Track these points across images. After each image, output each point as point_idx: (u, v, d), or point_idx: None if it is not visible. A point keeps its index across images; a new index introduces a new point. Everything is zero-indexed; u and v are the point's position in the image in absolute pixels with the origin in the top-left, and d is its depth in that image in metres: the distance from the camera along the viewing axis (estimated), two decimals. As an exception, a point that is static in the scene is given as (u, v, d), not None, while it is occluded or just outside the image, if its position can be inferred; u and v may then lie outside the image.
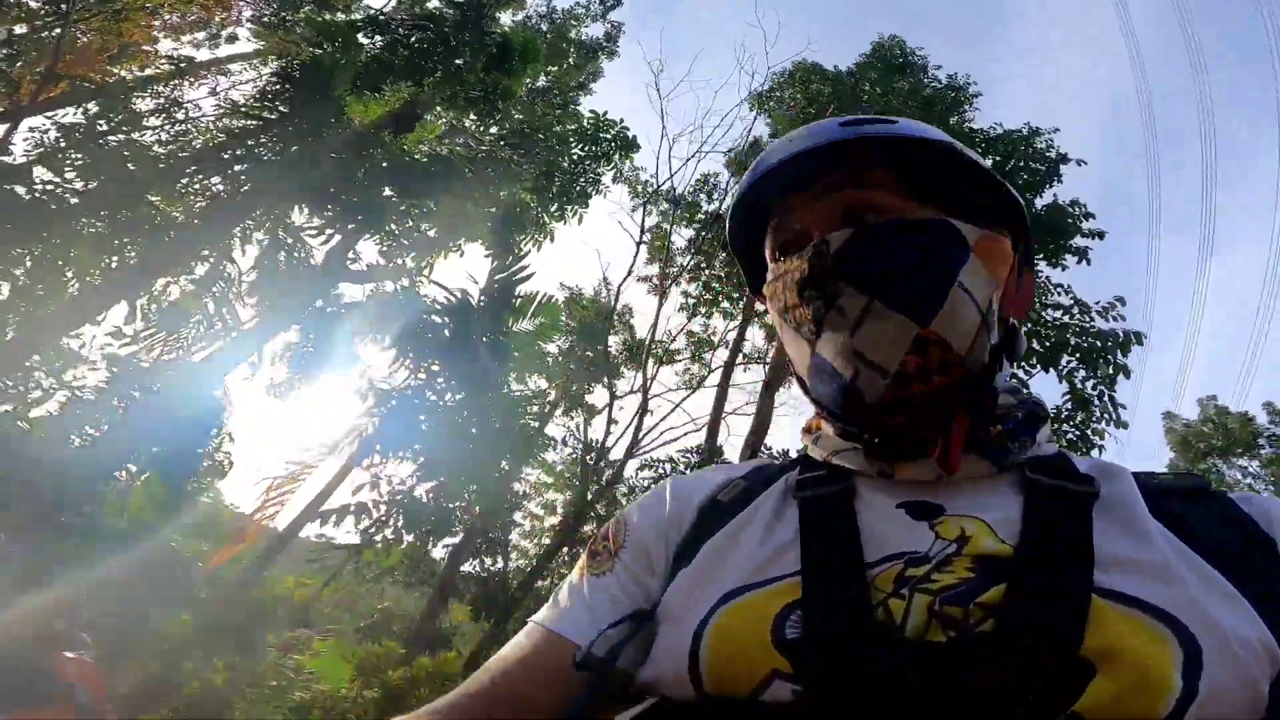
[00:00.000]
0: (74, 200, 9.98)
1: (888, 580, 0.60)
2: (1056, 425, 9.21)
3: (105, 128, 10.74)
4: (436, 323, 11.05)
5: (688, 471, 12.49)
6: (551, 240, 13.95)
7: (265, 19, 12.63)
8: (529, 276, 11.63)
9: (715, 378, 14.65)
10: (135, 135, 11.00)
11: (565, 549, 12.98)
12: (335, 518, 10.13)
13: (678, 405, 14.33)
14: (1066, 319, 9.87)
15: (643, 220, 15.00)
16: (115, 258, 10.68)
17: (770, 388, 12.35)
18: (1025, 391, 0.79)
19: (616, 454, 14.01)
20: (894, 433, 0.71)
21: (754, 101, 14.89)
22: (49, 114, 10.64)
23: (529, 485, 15.72)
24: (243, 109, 11.40)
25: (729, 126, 46.73)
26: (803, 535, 0.67)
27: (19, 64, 11.35)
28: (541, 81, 16.26)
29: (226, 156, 11.18)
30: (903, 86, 13.56)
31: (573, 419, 16.32)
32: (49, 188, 9.81)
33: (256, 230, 11.67)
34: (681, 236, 16.02)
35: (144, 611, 8.37)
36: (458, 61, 12.50)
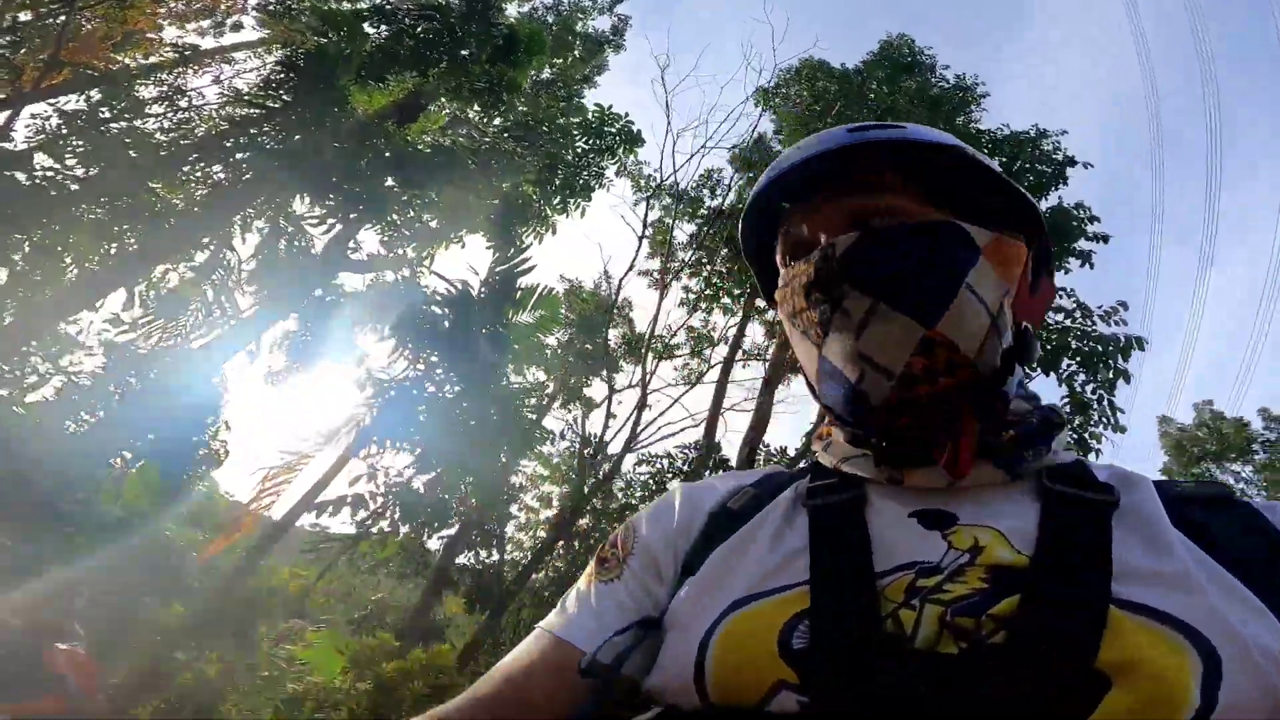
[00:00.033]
0: (74, 187, 9.97)
1: (898, 590, 0.59)
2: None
3: (108, 115, 10.71)
4: (436, 313, 11.05)
5: (685, 467, 12.57)
6: (553, 233, 13.99)
7: (271, 7, 12.57)
8: (530, 269, 11.66)
9: (714, 374, 14.65)
10: (138, 123, 10.98)
11: (560, 543, 12.98)
12: (332, 509, 10.13)
13: (676, 400, 14.38)
14: (1068, 323, 9.86)
15: (645, 214, 14.96)
16: (115, 244, 10.68)
17: (770, 385, 12.33)
18: (1040, 399, 0.78)
19: (614, 448, 14.02)
20: (901, 434, 0.70)
21: (759, 98, 14.84)
22: (51, 101, 10.60)
23: (525, 477, 15.70)
24: (246, 97, 11.39)
25: (734, 122, 46.80)
26: (812, 544, 0.66)
27: (22, 51, 11.30)
28: (546, 74, 16.26)
29: (229, 145, 11.19)
30: (910, 86, 13.50)
31: (570, 412, 16.31)
32: (49, 174, 9.80)
33: (257, 218, 11.68)
34: (683, 231, 16.01)
35: (137, 601, 8.37)
36: (463, 52, 12.51)
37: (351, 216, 11.73)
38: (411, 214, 12.57)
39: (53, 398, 9.72)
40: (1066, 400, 9.46)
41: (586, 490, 12.86)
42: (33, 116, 10.55)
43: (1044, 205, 11.39)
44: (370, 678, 8.22)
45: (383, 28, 12.27)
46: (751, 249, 0.90)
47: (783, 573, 0.64)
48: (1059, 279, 10.63)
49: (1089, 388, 9.44)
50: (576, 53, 17.37)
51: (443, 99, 13.30)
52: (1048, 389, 11.81)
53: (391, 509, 10.07)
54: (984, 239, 0.72)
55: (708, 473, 12.15)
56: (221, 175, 11.47)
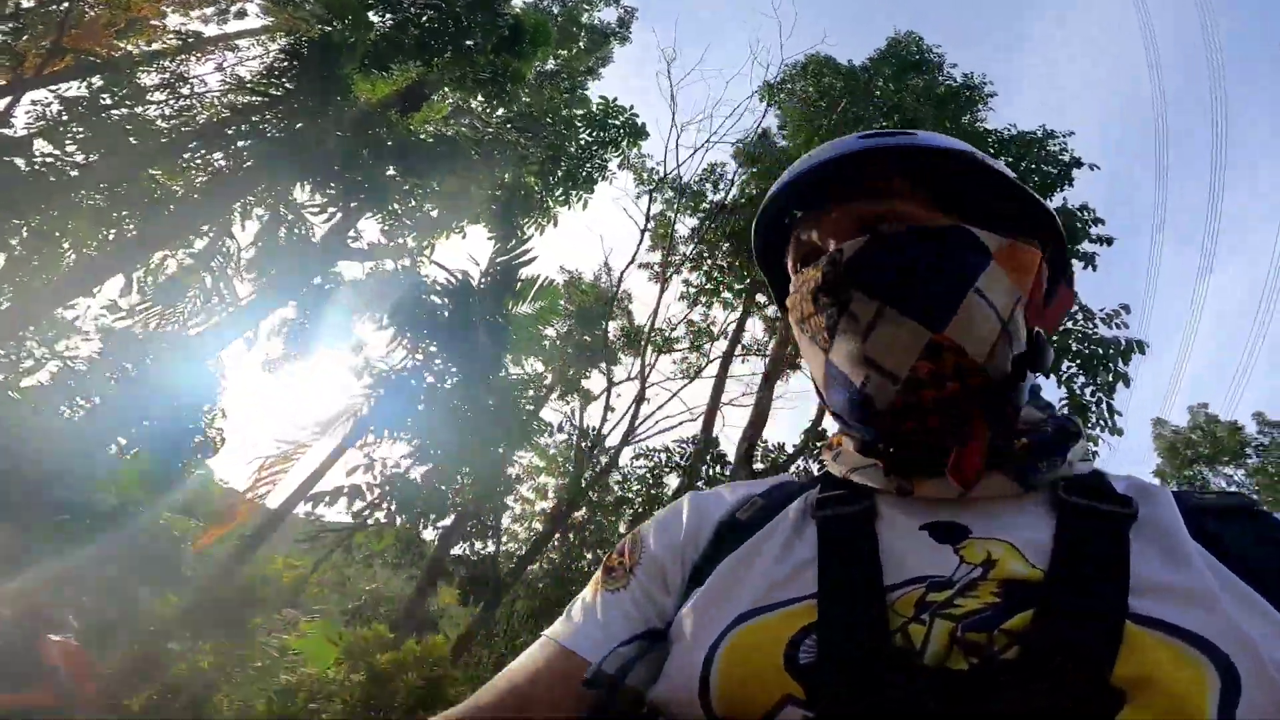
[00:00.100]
0: (74, 173, 9.95)
1: (908, 604, 0.58)
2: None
3: (109, 102, 10.68)
4: (436, 303, 11.03)
5: (683, 461, 12.56)
6: (555, 224, 13.98)
7: (276, -6, 12.50)
8: (531, 260, 11.66)
9: (713, 368, 14.62)
10: (139, 109, 10.94)
11: (556, 535, 12.98)
12: (328, 499, 10.12)
13: (675, 394, 14.33)
14: (1069, 324, 9.83)
15: (648, 207, 14.94)
16: (113, 230, 10.66)
17: (769, 380, 12.32)
18: (1055, 408, 0.77)
19: (612, 441, 14.01)
20: (907, 439, 0.70)
21: (765, 93, 14.79)
22: (52, 87, 10.56)
23: (521, 468, 15.69)
24: (249, 85, 11.35)
25: (739, 117, 46.87)
26: (821, 556, 0.66)
27: (25, 37, 11.25)
28: (551, 65, 16.22)
29: (230, 132, 11.17)
30: (917, 84, 13.44)
31: (568, 404, 16.29)
32: (49, 160, 9.76)
33: (257, 206, 11.67)
34: (685, 225, 15.98)
35: (131, 590, 8.34)
36: (468, 42, 12.48)
37: (352, 205, 11.71)
38: (413, 203, 12.55)
39: (48, 382, 9.69)
40: (1065, 402, 9.46)
41: (583, 483, 12.85)
42: (33, 103, 10.52)
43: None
44: (364, 669, 8.20)
45: (387, 16, 12.24)
46: (764, 257, 0.90)
47: (791, 585, 0.64)
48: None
49: (1088, 390, 9.43)
50: (581, 44, 17.34)
51: (446, 89, 13.28)
52: (1047, 390, 11.81)
53: (388, 500, 10.06)
54: (996, 244, 0.71)
55: (705, 468, 12.15)
56: (222, 162, 11.45)
